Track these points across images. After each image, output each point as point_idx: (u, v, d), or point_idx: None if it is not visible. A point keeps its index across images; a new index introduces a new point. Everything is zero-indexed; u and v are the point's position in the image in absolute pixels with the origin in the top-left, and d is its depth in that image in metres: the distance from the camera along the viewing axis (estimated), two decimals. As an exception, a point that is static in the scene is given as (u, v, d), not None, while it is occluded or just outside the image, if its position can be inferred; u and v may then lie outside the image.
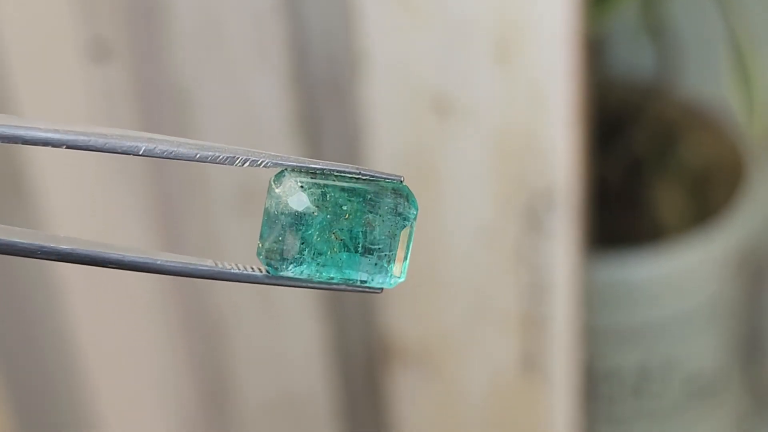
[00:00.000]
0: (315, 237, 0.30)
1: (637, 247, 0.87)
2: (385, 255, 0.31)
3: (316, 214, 0.30)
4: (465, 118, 0.68)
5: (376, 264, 0.31)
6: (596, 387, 0.90)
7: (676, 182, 0.93)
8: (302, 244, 0.30)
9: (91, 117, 0.68)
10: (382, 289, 0.32)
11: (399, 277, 0.32)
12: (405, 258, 0.32)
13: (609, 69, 0.96)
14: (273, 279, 0.31)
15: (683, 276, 0.88)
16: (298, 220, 0.30)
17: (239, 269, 0.31)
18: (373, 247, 0.31)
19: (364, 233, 0.31)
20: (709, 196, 0.92)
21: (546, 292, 0.72)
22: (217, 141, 0.70)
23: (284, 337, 0.77)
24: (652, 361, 0.90)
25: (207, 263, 0.30)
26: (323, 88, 0.69)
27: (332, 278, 0.31)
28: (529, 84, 0.66)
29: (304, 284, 0.31)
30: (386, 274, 0.31)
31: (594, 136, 0.82)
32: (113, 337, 0.75)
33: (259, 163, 0.30)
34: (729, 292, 0.90)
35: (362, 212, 0.31)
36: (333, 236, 0.31)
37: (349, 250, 0.31)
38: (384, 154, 0.69)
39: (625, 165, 0.93)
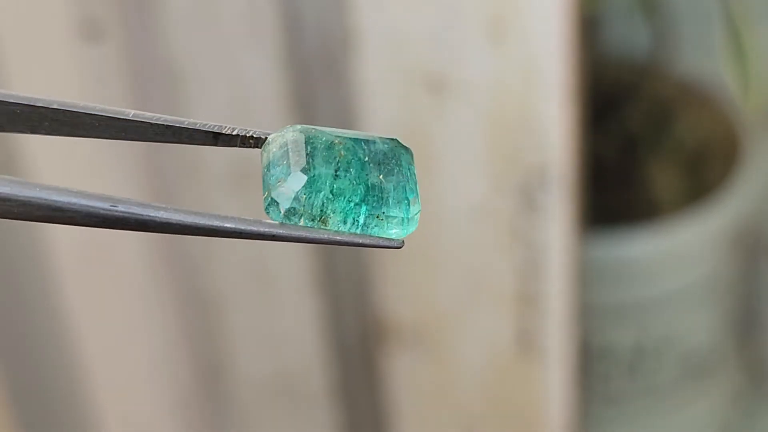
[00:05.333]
0: (320, 151, 0.29)
1: (632, 224, 0.87)
2: (397, 178, 0.30)
3: (314, 132, 0.29)
4: (459, 95, 0.68)
5: (390, 176, 0.29)
6: (591, 364, 0.91)
7: (672, 160, 0.93)
8: (308, 155, 0.29)
9: (83, 96, 0.67)
10: (402, 242, 0.29)
11: (416, 209, 0.30)
12: (415, 194, 0.30)
13: (604, 46, 0.96)
14: (288, 229, 0.29)
15: (678, 253, 0.88)
16: (299, 144, 0.29)
17: (251, 225, 0.29)
18: (381, 165, 0.29)
19: (368, 155, 0.29)
20: (705, 174, 0.92)
21: (541, 269, 0.72)
22: (211, 119, 0.70)
23: (279, 315, 0.77)
24: (647, 338, 0.90)
25: (229, 220, 0.29)
26: (316, 66, 0.68)
27: (350, 202, 0.29)
28: (524, 61, 0.66)
29: (318, 237, 0.29)
30: (403, 190, 0.29)
31: (589, 114, 0.82)
32: (107, 316, 0.75)
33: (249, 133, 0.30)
34: (724, 270, 0.90)
35: (359, 148, 0.29)
36: (338, 143, 0.29)
37: (358, 158, 0.29)
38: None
39: (620, 143, 0.93)
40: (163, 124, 0.29)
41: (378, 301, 0.76)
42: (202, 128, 0.29)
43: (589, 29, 0.89)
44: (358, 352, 0.78)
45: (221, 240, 0.74)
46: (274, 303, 0.76)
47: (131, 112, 0.29)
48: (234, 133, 0.29)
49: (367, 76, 0.68)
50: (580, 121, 0.69)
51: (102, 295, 0.74)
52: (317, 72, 0.69)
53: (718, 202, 0.88)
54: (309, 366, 0.78)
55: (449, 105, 0.68)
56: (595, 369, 0.91)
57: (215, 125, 0.29)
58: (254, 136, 0.29)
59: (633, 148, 0.93)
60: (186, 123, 0.29)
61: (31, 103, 0.28)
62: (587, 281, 0.86)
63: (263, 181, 0.29)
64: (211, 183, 0.72)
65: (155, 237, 0.73)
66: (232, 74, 0.69)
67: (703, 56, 0.94)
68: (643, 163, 0.93)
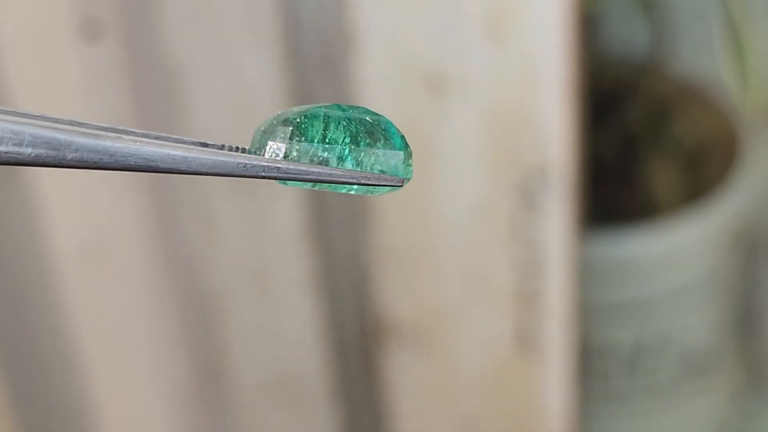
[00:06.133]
0: (306, 110, 0.30)
1: (631, 223, 0.87)
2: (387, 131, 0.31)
3: (296, 106, 0.30)
4: (458, 94, 0.68)
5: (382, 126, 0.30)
6: (591, 363, 0.91)
7: (671, 158, 0.93)
8: (295, 114, 0.30)
9: (83, 96, 0.67)
10: (402, 182, 0.30)
11: (408, 147, 0.30)
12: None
13: (603, 45, 0.96)
14: (292, 165, 0.29)
15: (678, 252, 0.88)
16: (284, 112, 0.30)
17: (255, 160, 0.29)
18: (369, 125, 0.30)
19: (351, 109, 0.30)
20: (704, 172, 0.92)
21: (540, 268, 0.72)
22: (210, 118, 0.70)
23: (279, 315, 0.77)
24: (646, 336, 0.90)
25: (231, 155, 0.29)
26: (316, 65, 0.68)
27: (345, 145, 0.30)
28: (523, 60, 0.66)
29: (322, 174, 0.29)
30: (391, 130, 0.30)
31: (588, 113, 0.82)
32: (108, 316, 0.75)
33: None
34: (723, 268, 0.90)
35: (341, 105, 0.30)
36: (321, 105, 0.30)
37: (342, 111, 0.30)
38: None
39: (619, 141, 0.93)
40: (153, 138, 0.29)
41: (377, 300, 0.76)
42: (189, 142, 0.29)
43: (589, 29, 0.89)
44: (358, 352, 0.78)
45: (221, 240, 0.74)
46: (274, 303, 0.76)
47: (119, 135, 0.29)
48: (221, 147, 0.30)
49: (367, 76, 0.68)
50: (579, 120, 0.69)
51: (102, 295, 0.74)
52: (317, 72, 0.69)
53: (717, 200, 0.88)
54: (309, 366, 0.78)
55: (449, 104, 0.68)
56: (594, 367, 0.91)
57: (201, 141, 0.30)
58: (240, 148, 0.30)
59: (632, 148, 0.93)
60: (173, 138, 0.29)
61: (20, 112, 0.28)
62: (587, 280, 0.86)
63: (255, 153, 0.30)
64: (211, 187, 0.72)
65: (155, 236, 0.73)
66: (232, 74, 0.69)
67: (702, 56, 0.94)
68: (643, 162, 0.93)
